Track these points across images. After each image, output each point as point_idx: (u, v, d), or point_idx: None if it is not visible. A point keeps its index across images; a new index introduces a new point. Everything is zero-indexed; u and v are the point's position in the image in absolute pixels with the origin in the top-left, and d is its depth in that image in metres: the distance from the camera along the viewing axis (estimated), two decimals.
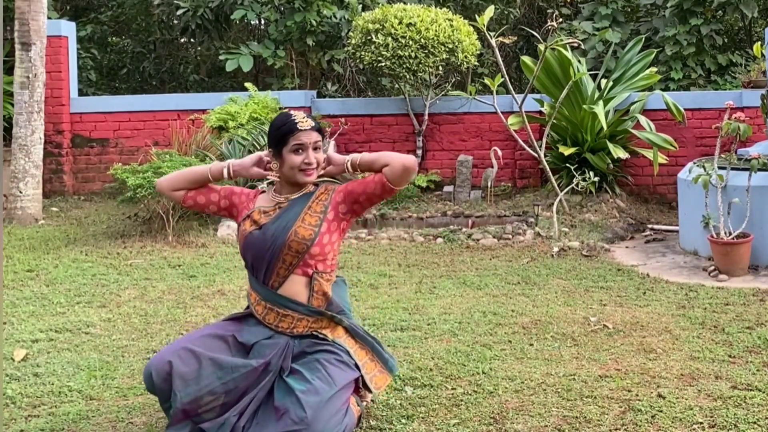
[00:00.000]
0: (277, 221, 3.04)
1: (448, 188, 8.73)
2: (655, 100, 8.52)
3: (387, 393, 3.41)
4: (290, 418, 2.77)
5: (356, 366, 3.02)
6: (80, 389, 3.56)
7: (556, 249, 6.34)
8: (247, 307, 3.20)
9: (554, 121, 8.12)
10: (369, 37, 8.54)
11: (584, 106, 7.95)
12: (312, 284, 3.03)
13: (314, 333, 3.04)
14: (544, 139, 8.05)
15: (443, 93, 9.13)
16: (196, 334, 3.10)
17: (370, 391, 3.09)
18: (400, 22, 8.44)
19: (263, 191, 3.22)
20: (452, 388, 3.47)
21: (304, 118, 3.06)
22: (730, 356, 3.84)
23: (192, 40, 12.86)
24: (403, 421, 3.15)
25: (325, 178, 3.20)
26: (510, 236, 6.75)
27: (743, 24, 11.46)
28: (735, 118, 5.99)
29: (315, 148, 3.06)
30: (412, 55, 8.37)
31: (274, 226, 3.03)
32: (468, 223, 7.57)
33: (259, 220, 3.07)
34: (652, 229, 7.43)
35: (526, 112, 7.87)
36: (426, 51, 8.41)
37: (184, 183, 3.18)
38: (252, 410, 2.89)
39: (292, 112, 3.11)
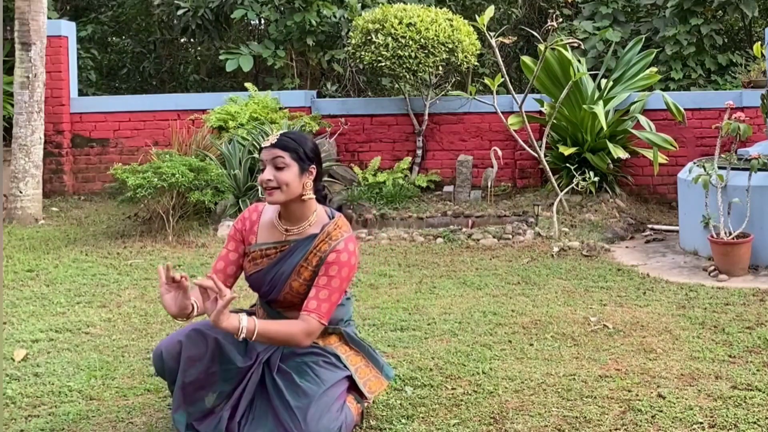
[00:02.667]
0: (275, 267, 2.96)
1: (448, 188, 8.73)
2: (655, 100, 8.52)
3: (387, 393, 3.41)
4: (284, 424, 2.81)
5: (346, 368, 3.02)
6: (80, 389, 3.56)
7: (556, 249, 6.34)
8: (252, 306, 3.24)
9: (554, 121, 8.11)
10: (369, 37, 8.54)
11: (584, 106, 7.95)
12: None
13: None
14: (544, 139, 8.05)
15: (443, 93, 9.13)
16: (205, 320, 3.13)
17: (364, 396, 3.08)
18: (400, 22, 8.44)
19: (264, 207, 3.10)
20: (452, 388, 3.47)
21: (274, 135, 2.93)
22: (730, 356, 3.84)
23: (192, 40, 12.87)
24: (403, 421, 3.15)
25: (333, 215, 3.03)
26: (510, 236, 6.75)
27: (743, 24, 11.45)
28: (735, 118, 5.99)
29: (277, 167, 2.87)
30: (412, 55, 8.37)
31: (273, 272, 2.96)
32: (468, 223, 7.56)
33: (261, 263, 2.98)
34: (652, 229, 7.43)
35: (526, 112, 7.87)
36: (426, 51, 8.40)
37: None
38: (245, 404, 2.91)
39: (280, 131, 2.99)
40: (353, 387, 3.04)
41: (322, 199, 3.06)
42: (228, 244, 3.07)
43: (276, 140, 2.90)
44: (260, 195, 7.25)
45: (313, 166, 2.95)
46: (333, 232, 2.95)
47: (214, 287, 2.61)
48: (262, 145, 2.94)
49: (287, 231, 2.98)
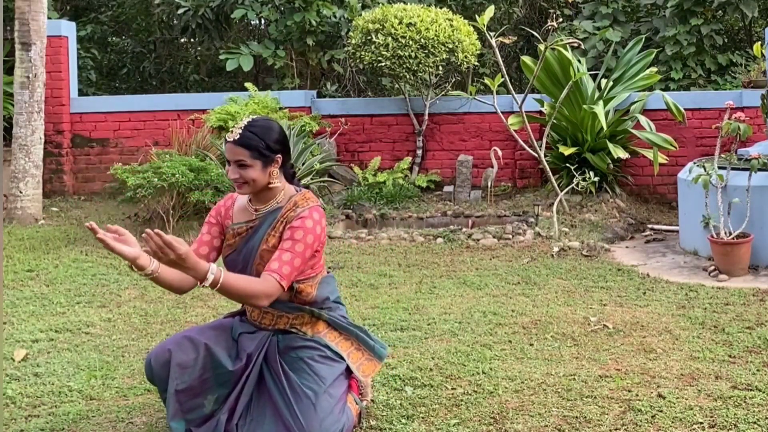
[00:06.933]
0: (248, 243, 2.98)
1: (448, 188, 8.73)
2: (655, 100, 8.52)
3: (387, 393, 3.41)
4: (285, 424, 2.81)
5: (341, 357, 3.03)
6: (80, 389, 3.56)
7: (556, 249, 6.34)
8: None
9: (554, 121, 8.11)
10: (369, 37, 8.54)
11: (584, 106, 7.95)
12: (293, 289, 2.99)
13: (294, 329, 3.04)
14: (544, 139, 8.05)
15: (443, 93, 9.13)
16: (199, 326, 3.16)
17: (361, 395, 3.09)
18: (400, 22, 8.44)
19: (237, 195, 3.12)
20: (452, 388, 3.47)
21: (237, 128, 2.89)
22: (730, 356, 3.84)
23: (192, 39, 12.87)
24: (403, 421, 3.15)
25: (300, 190, 3.04)
26: (510, 236, 6.75)
27: (743, 24, 11.46)
28: (735, 118, 5.99)
29: (239, 165, 2.87)
30: (412, 55, 8.37)
31: (245, 248, 2.98)
32: (468, 223, 7.56)
33: (235, 243, 3.01)
34: (652, 229, 7.43)
35: (526, 112, 7.87)
36: (426, 51, 8.40)
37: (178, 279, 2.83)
38: (243, 406, 2.91)
39: (243, 121, 2.94)
40: (355, 384, 3.06)
41: (290, 177, 3.08)
42: (203, 228, 3.11)
43: (238, 136, 2.88)
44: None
45: (279, 155, 2.95)
46: (300, 201, 2.98)
47: (153, 235, 2.51)
48: (226, 138, 2.92)
49: (257, 210, 3.02)
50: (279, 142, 2.95)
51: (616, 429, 3.06)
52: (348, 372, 3.06)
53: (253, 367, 2.95)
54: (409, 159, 9.06)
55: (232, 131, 2.90)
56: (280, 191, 3.00)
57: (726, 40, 10.86)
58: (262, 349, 2.99)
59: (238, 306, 3.44)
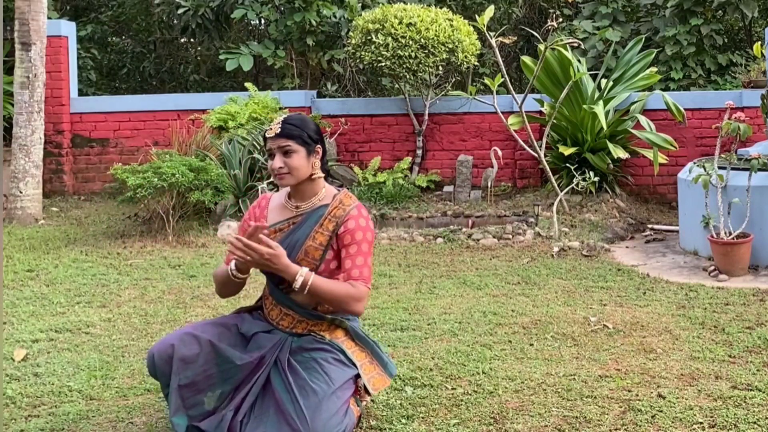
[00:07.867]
0: (289, 237, 3.02)
1: (448, 188, 8.73)
2: (655, 100, 8.52)
3: (387, 393, 3.41)
4: (288, 420, 2.79)
5: (354, 365, 3.03)
6: (80, 389, 3.56)
7: (556, 249, 6.34)
8: (258, 299, 3.23)
9: (554, 121, 8.11)
10: (369, 37, 8.54)
11: (584, 106, 7.95)
12: None
13: (312, 333, 3.05)
14: (544, 139, 8.05)
15: (443, 93, 9.13)
16: (201, 322, 3.14)
17: (368, 393, 3.09)
18: (400, 22, 8.44)
19: (271, 195, 3.18)
20: (452, 388, 3.47)
21: (276, 124, 3.00)
22: (730, 356, 3.84)
23: (192, 39, 12.88)
24: (403, 421, 3.15)
25: (341, 190, 3.13)
26: (510, 236, 6.75)
27: (743, 24, 11.46)
28: (735, 118, 5.99)
29: (285, 153, 2.97)
30: (412, 55, 8.37)
31: (285, 243, 2.99)
32: (468, 223, 7.56)
33: (274, 238, 3.02)
34: (652, 229, 7.43)
35: (526, 112, 7.87)
36: (426, 51, 8.40)
37: (222, 286, 3.08)
38: (249, 404, 2.91)
39: (280, 118, 3.05)
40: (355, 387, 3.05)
41: (326, 172, 3.14)
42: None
43: (280, 130, 2.98)
44: (261, 188, 7.24)
45: (319, 146, 3.05)
46: (345, 199, 3.07)
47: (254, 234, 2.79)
48: (266, 135, 3.01)
49: (297, 207, 3.07)
50: (317, 133, 3.07)
51: (616, 429, 3.06)
52: (355, 377, 3.05)
53: (265, 368, 2.95)
54: (409, 159, 9.06)
55: (271, 128, 3.00)
56: (322, 188, 3.09)
57: (726, 40, 10.87)
58: (278, 350, 2.98)
59: (242, 303, 3.44)
